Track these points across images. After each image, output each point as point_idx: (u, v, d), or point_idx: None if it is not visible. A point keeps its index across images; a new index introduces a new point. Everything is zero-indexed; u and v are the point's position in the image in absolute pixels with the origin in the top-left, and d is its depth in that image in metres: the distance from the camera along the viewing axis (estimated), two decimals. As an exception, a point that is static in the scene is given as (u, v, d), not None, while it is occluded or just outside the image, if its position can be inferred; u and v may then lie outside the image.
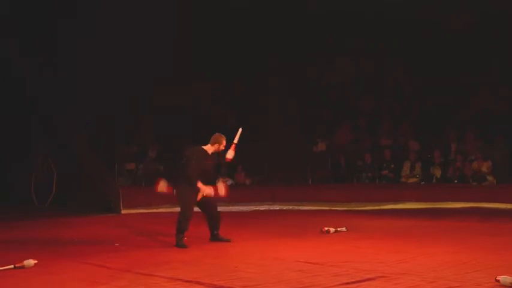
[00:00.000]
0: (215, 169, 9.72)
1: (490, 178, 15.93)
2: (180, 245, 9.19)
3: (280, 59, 20.19)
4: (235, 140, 9.77)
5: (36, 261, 7.82)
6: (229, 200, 15.34)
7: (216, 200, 9.64)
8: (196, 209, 9.51)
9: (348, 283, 6.56)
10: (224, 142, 9.48)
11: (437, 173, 16.68)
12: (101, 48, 17.47)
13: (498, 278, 6.34)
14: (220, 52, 19.56)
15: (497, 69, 18.43)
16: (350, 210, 15.19)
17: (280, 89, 20.39)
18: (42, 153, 17.60)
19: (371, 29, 19.39)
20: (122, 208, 15.27)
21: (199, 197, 9.35)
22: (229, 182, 17.43)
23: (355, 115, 19.68)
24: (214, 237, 9.64)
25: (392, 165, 17.37)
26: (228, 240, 9.60)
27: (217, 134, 9.58)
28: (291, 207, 16.04)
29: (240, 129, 9.80)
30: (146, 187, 16.66)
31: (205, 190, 9.29)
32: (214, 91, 20.72)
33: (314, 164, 18.27)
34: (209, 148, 9.47)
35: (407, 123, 18.65)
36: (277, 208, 16.02)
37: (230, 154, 9.75)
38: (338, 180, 17.90)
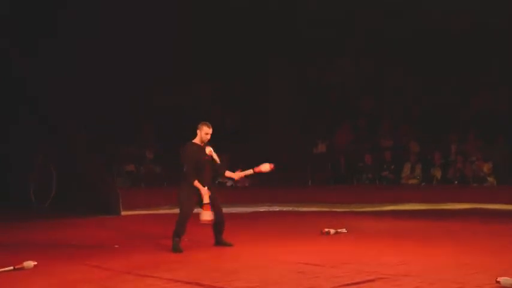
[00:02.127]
0: (210, 163, 9.30)
1: (490, 179, 15.91)
2: (176, 249, 9.03)
3: (280, 59, 20.17)
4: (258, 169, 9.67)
5: (35, 263, 7.81)
6: (229, 201, 15.43)
7: (220, 204, 9.55)
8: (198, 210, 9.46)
9: (348, 285, 6.55)
10: (205, 128, 9.12)
11: (438, 174, 16.65)
12: (101, 48, 17.47)
13: (499, 279, 6.32)
14: (220, 52, 19.57)
15: (497, 70, 18.41)
16: (350, 212, 15.17)
17: (280, 89, 20.38)
18: (42, 154, 17.58)
19: (371, 29, 19.36)
20: (121, 209, 15.25)
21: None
22: (229, 183, 17.43)
23: (355, 115, 19.65)
24: (218, 241, 9.51)
25: (393, 167, 17.34)
26: (229, 245, 9.47)
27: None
28: (290, 208, 16.03)
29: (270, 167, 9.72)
30: (146, 188, 16.70)
31: (204, 194, 8.98)
32: (214, 91, 20.70)
33: (314, 165, 18.24)
34: (197, 140, 9.27)
35: (408, 124, 18.62)
36: (277, 209, 16.00)
37: (264, 167, 9.66)
38: (338, 181, 17.87)
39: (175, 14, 18.60)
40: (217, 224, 9.45)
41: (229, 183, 17.43)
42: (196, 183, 8.99)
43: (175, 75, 19.31)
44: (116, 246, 9.80)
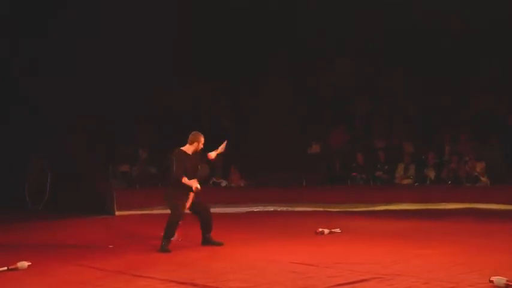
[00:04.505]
0: (196, 169, 9.39)
1: (483, 179, 15.96)
2: (164, 249, 9.02)
3: (278, 59, 20.14)
4: (220, 150, 9.64)
5: (29, 263, 7.81)
6: (223, 201, 15.43)
7: (208, 203, 9.56)
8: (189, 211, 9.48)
9: (342, 284, 6.57)
10: (203, 140, 9.25)
11: (431, 174, 16.69)
12: (99, 49, 17.46)
13: (492, 278, 6.36)
14: (219, 52, 19.59)
15: (493, 70, 18.45)
16: (344, 212, 15.20)
17: (278, 89, 20.39)
18: (38, 154, 17.54)
19: (369, 30, 19.37)
20: (115, 210, 15.24)
21: (190, 201, 9.25)
22: (223, 183, 17.44)
23: (351, 116, 19.64)
24: (206, 241, 9.52)
25: (387, 167, 17.38)
26: (220, 244, 9.48)
27: (194, 132, 9.35)
28: (285, 208, 16.03)
29: (225, 142, 9.66)
30: (140, 189, 16.68)
31: (193, 184, 9.09)
32: (213, 91, 20.67)
33: (309, 166, 18.25)
34: (188, 148, 9.28)
35: (402, 124, 18.65)
36: (272, 209, 16.01)
37: (213, 155, 9.63)
38: (332, 181, 17.88)
39: (175, 13, 18.61)
40: (205, 224, 9.47)
41: (223, 184, 17.45)
42: (186, 180, 9.08)
43: (174, 75, 19.30)
44: (110, 246, 9.79)
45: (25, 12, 16.92)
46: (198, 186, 9.16)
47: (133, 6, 17.68)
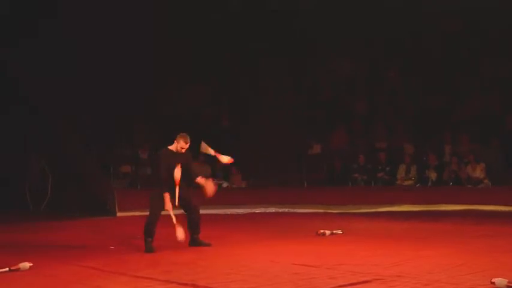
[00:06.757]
0: (188, 168, 9.34)
1: (485, 181, 15.94)
2: (148, 249, 9.05)
3: (276, 59, 20.17)
4: (212, 153, 9.64)
5: (31, 264, 7.80)
6: (224, 202, 15.43)
7: (199, 203, 9.55)
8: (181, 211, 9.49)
9: (343, 285, 6.57)
10: (182, 141, 9.17)
11: (433, 175, 16.69)
12: (97, 50, 17.49)
13: (494, 280, 6.35)
14: (217, 52, 19.62)
15: (493, 71, 18.46)
16: (345, 213, 15.19)
17: (276, 89, 20.40)
18: (38, 155, 17.54)
19: (369, 30, 19.39)
20: (117, 211, 15.24)
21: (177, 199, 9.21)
22: (225, 184, 17.44)
23: (350, 117, 19.65)
24: (194, 242, 9.49)
25: (388, 168, 17.37)
26: (208, 245, 9.45)
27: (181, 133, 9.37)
28: (286, 209, 16.03)
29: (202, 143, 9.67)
30: (142, 189, 16.68)
31: (166, 204, 9.07)
32: (213, 91, 20.67)
33: (309, 167, 18.25)
34: (173, 147, 9.32)
35: (402, 125, 18.64)
36: (273, 211, 16.01)
37: (223, 159, 9.69)
38: (333, 182, 17.87)
39: (175, 13, 18.66)
40: (193, 224, 9.46)
41: (224, 185, 17.45)
42: (166, 196, 9.07)
43: (171, 76, 19.31)
44: (112, 247, 9.80)
45: (25, 12, 16.95)
46: (170, 206, 9.07)
47: (133, 7, 17.74)
